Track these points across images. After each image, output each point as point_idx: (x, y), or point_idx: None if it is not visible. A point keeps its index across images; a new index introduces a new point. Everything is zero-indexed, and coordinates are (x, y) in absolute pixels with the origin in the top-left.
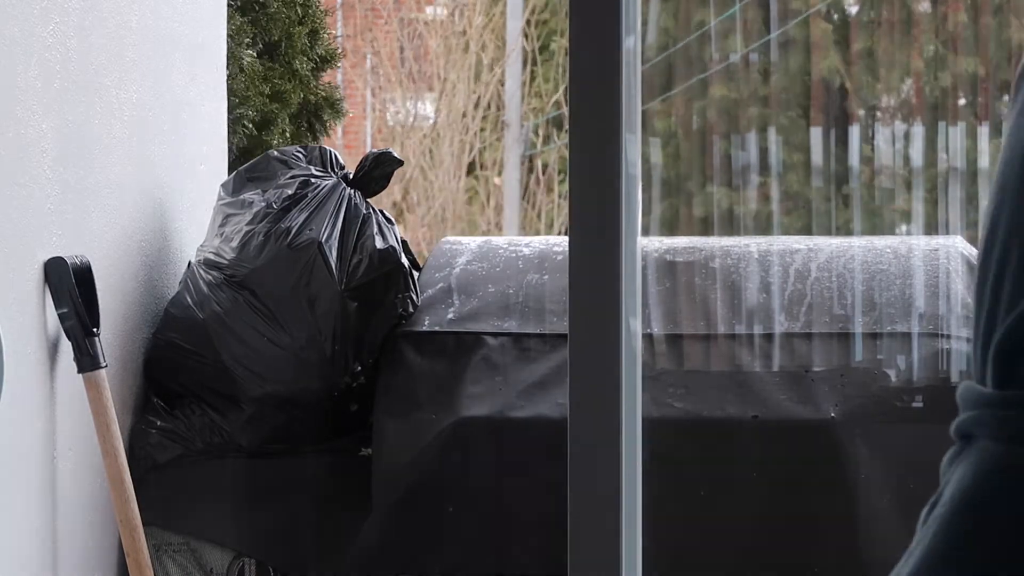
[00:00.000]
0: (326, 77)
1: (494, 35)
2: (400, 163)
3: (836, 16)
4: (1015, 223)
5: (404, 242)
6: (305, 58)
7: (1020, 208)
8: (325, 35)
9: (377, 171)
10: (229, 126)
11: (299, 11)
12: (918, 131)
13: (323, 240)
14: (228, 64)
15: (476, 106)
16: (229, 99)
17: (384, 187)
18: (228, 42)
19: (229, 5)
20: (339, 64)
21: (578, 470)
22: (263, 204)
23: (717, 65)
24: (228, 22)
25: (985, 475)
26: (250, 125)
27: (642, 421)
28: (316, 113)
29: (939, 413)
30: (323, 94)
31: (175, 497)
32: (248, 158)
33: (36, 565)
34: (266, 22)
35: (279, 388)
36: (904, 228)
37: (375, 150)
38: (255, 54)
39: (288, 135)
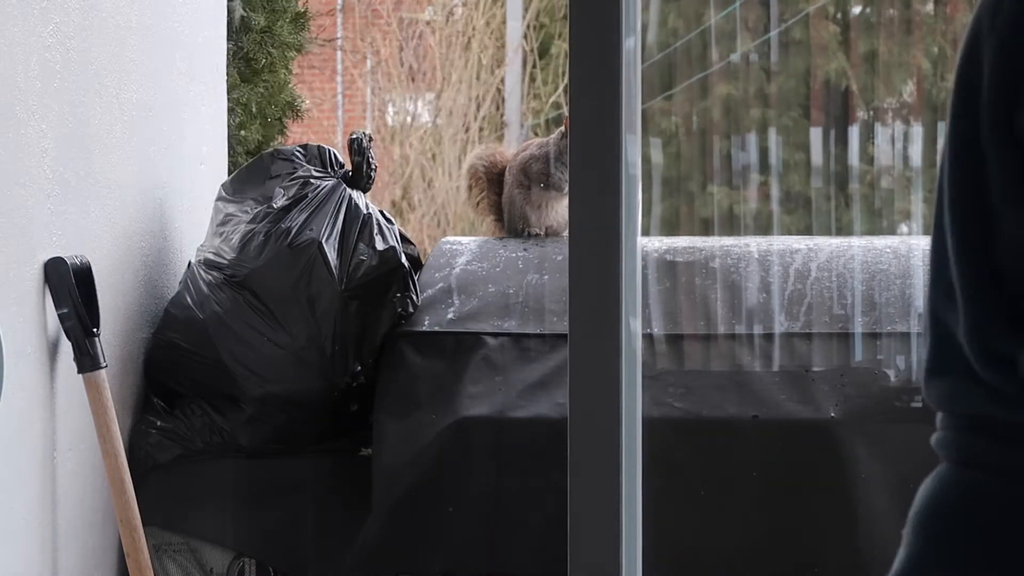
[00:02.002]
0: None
1: (494, 36)
2: (368, 137)
3: (839, 15)
4: (933, 243)
5: (404, 237)
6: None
7: (936, 229)
8: (306, 24)
9: (358, 158)
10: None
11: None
12: (928, 131)
13: (323, 240)
14: None
15: (477, 107)
16: None
17: (372, 171)
18: None
19: None
20: (309, 50)
21: (578, 470)
22: (263, 204)
23: (718, 64)
24: None
25: (938, 494)
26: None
27: (642, 421)
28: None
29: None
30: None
31: (175, 497)
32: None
33: (36, 565)
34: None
35: (279, 388)
36: (906, 228)
37: (356, 132)
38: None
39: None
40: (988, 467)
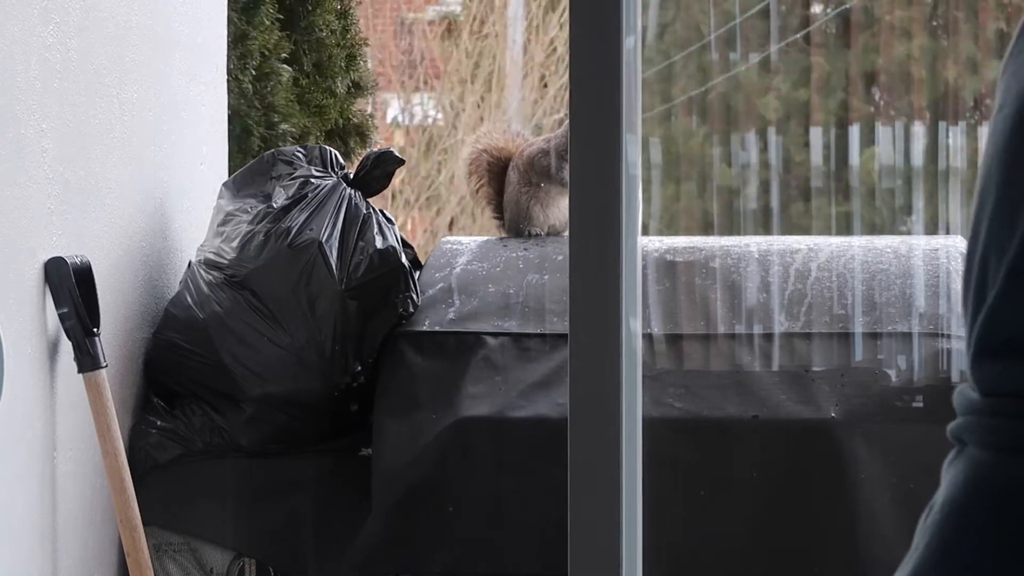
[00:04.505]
0: (359, 105)
1: (497, 35)
2: (401, 162)
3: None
4: (991, 227)
5: (403, 241)
6: (339, 80)
7: (994, 209)
8: (362, 62)
9: (378, 170)
10: (272, 142)
11: (339, 35)
12: (938, 131)
13: (323, 240)
14: (269, 78)
15: (478, 106)
16: (270, 114)
17: (385, 186)
18: (267, 55)
19: (275, 20)
20: (371, 92)
21: (578, 470)
22: (263, 204)
23: (724, 71)
24: (268, 36)
25: (972, 484)
26: (291, 141)
27: (642, 421)
28: (343, 137)
29: (939, 413)
30: (355, 120)
31: (175, 497)
32: None
33: (36, 565)
34: (315, 44)
35: (279, 388)
36: (916, 226)
37: (375, 149)
38: (297, 71)
39: None
40: None
